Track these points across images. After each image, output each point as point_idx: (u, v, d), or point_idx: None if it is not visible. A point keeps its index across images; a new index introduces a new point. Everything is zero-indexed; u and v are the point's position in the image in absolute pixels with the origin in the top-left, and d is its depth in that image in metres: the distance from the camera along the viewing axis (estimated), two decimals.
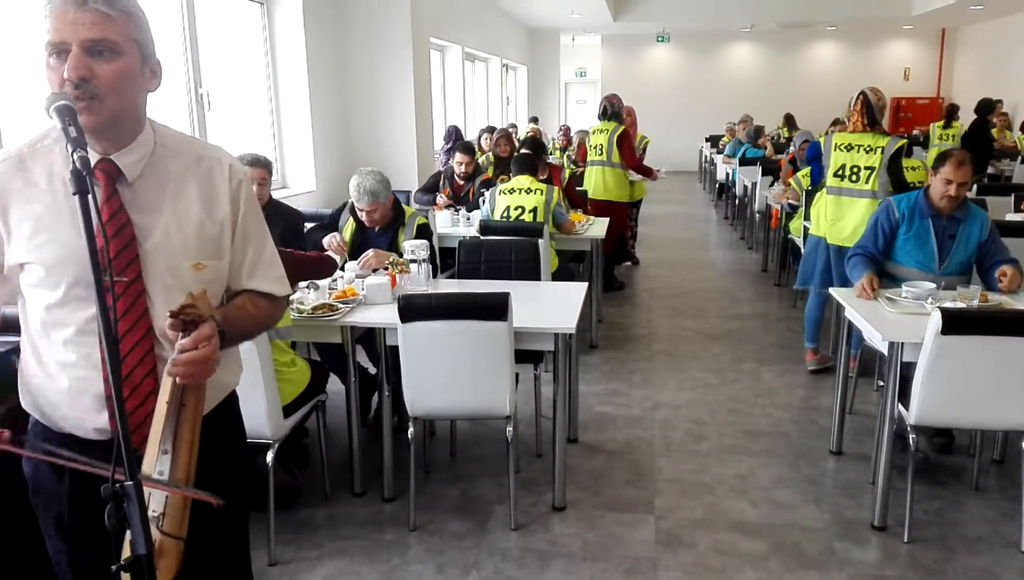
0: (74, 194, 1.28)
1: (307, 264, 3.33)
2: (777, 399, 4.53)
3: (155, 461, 1.37)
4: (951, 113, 10.18)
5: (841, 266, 4.55)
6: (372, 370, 3.91)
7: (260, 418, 2.86)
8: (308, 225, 4.27)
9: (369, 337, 3.65)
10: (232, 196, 1.64)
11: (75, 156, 1.26)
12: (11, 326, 2.13)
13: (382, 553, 3.01)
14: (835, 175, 4.54)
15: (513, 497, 3.20)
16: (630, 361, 5.19)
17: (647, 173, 7.09)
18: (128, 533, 1.26)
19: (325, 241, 4.01)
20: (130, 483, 1.24)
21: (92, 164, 1.46)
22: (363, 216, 3.91)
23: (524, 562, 2.95)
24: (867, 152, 4.45)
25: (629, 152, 6.74)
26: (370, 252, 3.76)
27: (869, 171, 4.43)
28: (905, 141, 4.49)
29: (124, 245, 1.50)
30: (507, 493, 3.36)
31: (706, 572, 2.89)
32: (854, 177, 4.48)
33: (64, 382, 1.54)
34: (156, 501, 1.34)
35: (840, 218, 4.53)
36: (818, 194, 4.82)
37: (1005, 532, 3.11)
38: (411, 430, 3.17)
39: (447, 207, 5.90)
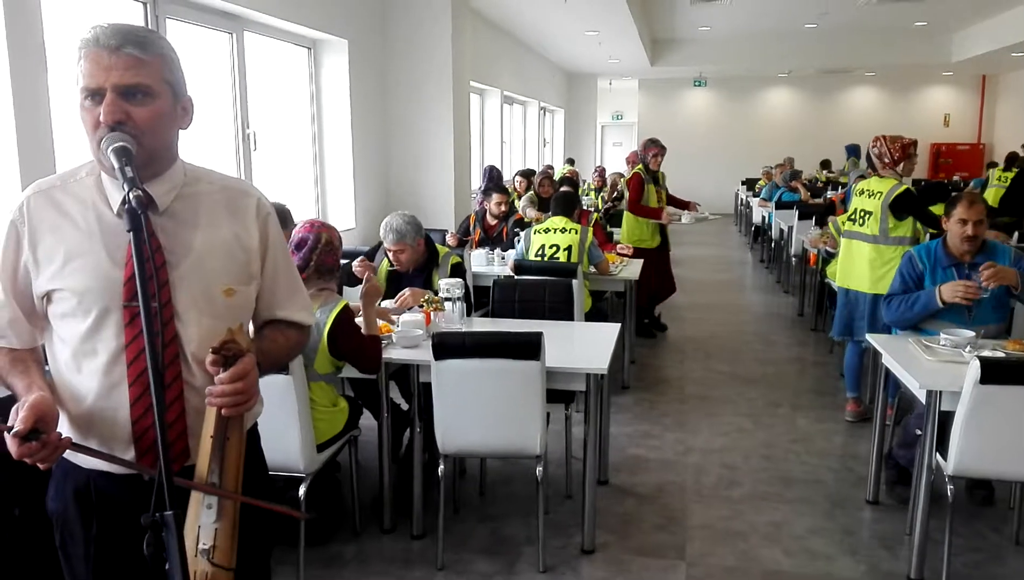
0: (128, 231, 1.34)
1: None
2: (812, 446, 4.47)
3: (203, 495, 1.41)
4: (1012, 159, 10.07)
5: (860, 311, 4.55)
6: (404, 406, 3.95)
7: (294, 452, 2.90)
8: (344, 261, 4.34)
9: (402, 374, 3.69)
10: (260, 226, 1.68)
11: (131, 195, 1.33)
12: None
13: None
14: (849, 219, 4.68)
15: (542, 538, 3.19)
16: (662, 403, 5.16)
17: (648, 214, 6.51)
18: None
19: (354, 265, 4.09)
20: (169, 513, 1.28)
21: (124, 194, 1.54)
22: (391, 256, 3.98)
23: None
24: (870, 197, 4.57)
25: (631, 193, 6.62)
26: (406, 291, 3.82)
27: (869, 215, 4.53)
28: (905, 187, 4.47)
29: (152, 272, 1.54)
30: (536, 534, 3.35)
31: None
32: (861, 221, 4.60)
33: (95, 412, 1.56)
34: (206, 534, 1.38)
35: (851, 262, 4.64)
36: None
37: None
38: (441, 467, 3.19)
39: (480, 246, 5.98)
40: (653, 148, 6.63)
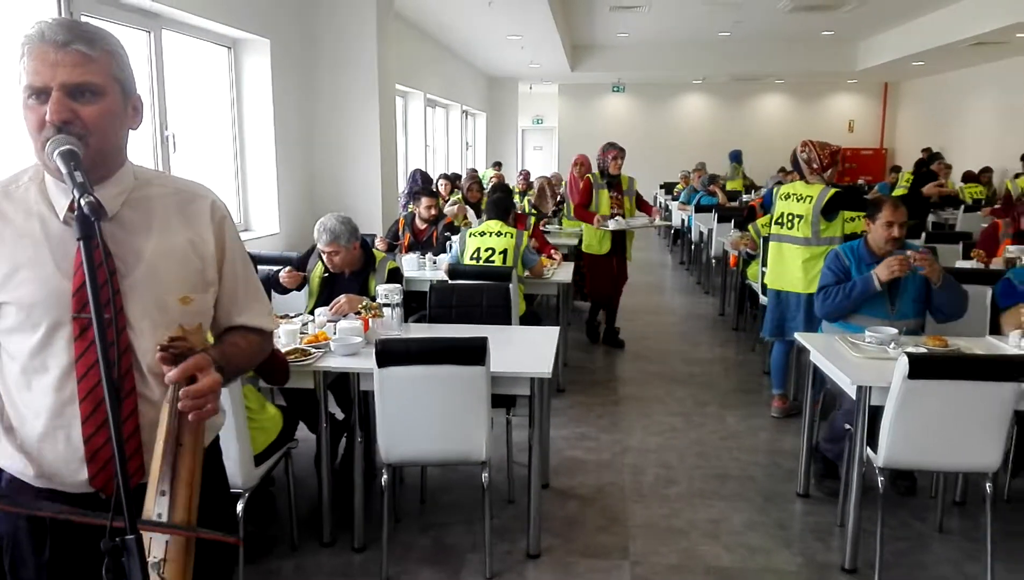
0: (78, 239, 1.26)
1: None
2: (742, 443, 4.59)
3: (153, 504, 1.33)
4: (928, 162, 10.43)
5: (793, 312, 4.69)
6: (339, 416, 3.86)
7: (232, 467, 2.79)
8: (274, 268, 4.23)
9: (337, 383, 3.61)
10: (216, 231, 1.62)
11: (83, 201, 1.24)
12: None
13: None
14: (776, 222, 4.79)
15: (488, 545, 3.17)
16: (596, 405, 5.21)
17: (582, 218, 6.38)
18: None
19: (281, 275, 4.00)
20: (131, 537, 1.21)
21: (70, 199, 1.44)
22: (324, 257, 3.90)
23: None
24: (799, 201, 4.70)
25: (579, 196, 6.51)
26: (342, 297, 3.74)
27: (799, 218, 4.66)
28: (835, 190, 4.62)
29: (104, 280, 1.45)
30: (480, 540, 3.33)
31: None
32: (789, 224, 4.72)
33: (46, 431, 1.48)
34: (157, 547, 1.30)
35: (781, 265, 4.76)
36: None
37: (970, 572, 3.18)
38: (384, 477, 3.13)
39: (410, 251, 5.92)
40: (612, 151, 6.38)
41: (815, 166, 4.66)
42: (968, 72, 14.35)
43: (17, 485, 1.54)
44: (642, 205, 6.71)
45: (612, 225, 6.17)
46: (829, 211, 4.54)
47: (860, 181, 15.74)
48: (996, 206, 9.26)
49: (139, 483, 1.48)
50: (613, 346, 6.61)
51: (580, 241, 6.81)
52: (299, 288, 4.06)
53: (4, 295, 1.44)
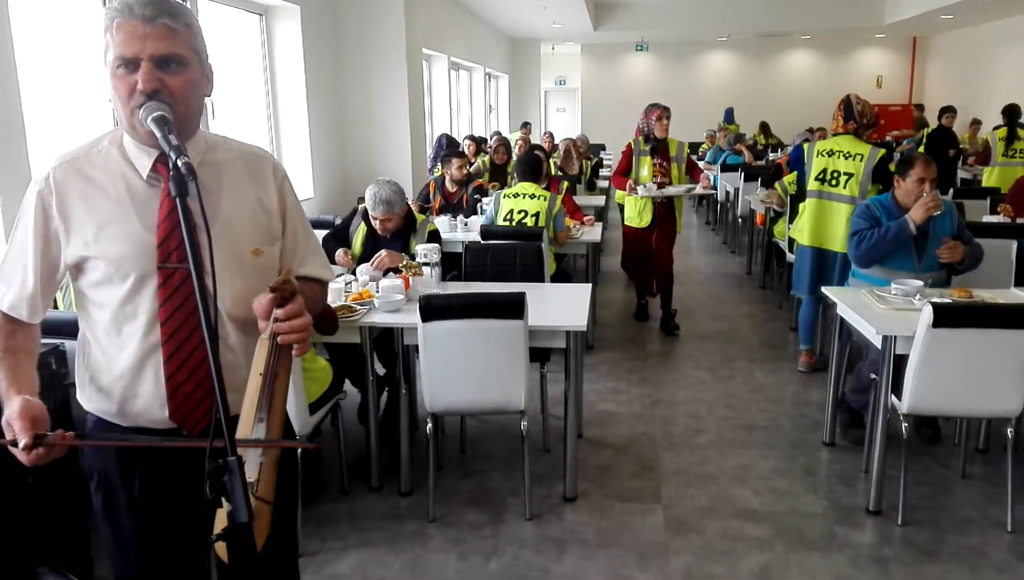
0: (173, 196, 1.39)
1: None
2: (770, 395, 4.71)
3: (251, 430, 1.48)
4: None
5: (832, 270, 4.73)
6: (380, 372, 4.03)
7: (290, 412, 2.96)
8: (320, 232, 4.38)
9: (379, 340, 3.77)
10: (279, 188, 1.76)
11: (180, 161, 1.38)
12: (46, 330, 2.23)
13: (405, 543, 3.14)
14: (816, 179, 4.71)
15: (528, 488, 3.34)
16: (626, 361, 5.35)
17: (616, 184, 5.98)
18: (226, 504, 1.38)
19: (337, 256, 4.14)
20: (233, 458, 1.36)
21: (153, 159, 1.59)
22: (376, 224, 4.04)
23: (542, 549, 3.09)
24: (846, 158, 4.63)
25: (618, 164, 5.98)
26: (383, 252, 3.88)
27: (848, 177, 4.61)
28: (884, 151, 4.66)
29: (193, 234, 1.60)
30: (519, 486, 3.51)
31: (715, 555, 3.05)
32: (834, 182, 4.65)
33: (134, 372, 1.62)
34: (251, 469, 1.45)
35: (825, 222, 4.70)
36: (802, 204, 4.96)
37: (992, 514, 3.30)
38: (429, 426, 3.30)
39: (440, 213, 6.05)
40: (655, 111, 5.70)
41: (866, 120, 4.65)
42: (998, 25, 14.06)
43: (104, 425, 1.69)
44: (692, 172, 5.98)
45: (641, 191, 5.61)
46: (877, 174, 4.56)
47: (888, 137, 15.61)
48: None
49: (210, 421, 1.65)
50: (667, 333, 5.94)
51: (621, 210, 6.51)
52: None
53: (93, 250, 1.57)
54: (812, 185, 4.75)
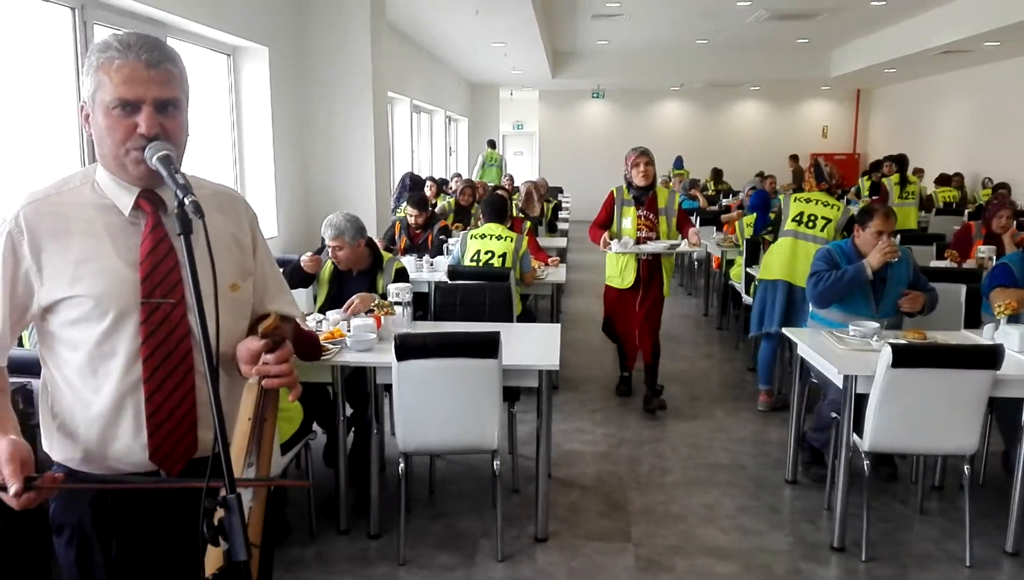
0: (179, 234, 1.41)
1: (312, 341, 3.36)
2: (731, 434, 4.80)
3: (242, 474, 1.49)
4: (875, 167, 10.80)
5: (803, 303, 4.88)
6: (348, 411, 4.00)
7: None
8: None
9: (347, 379, 3.75)
10: (250, 225, 1.79)
11: (187, 200, 1.39)
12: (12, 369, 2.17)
13: None
14: (793, 220, 4.99)
15: (500, 528, 3.34)
16: (589, 401, 5.40)
17: (592, 237, 5.20)
18: (220, 544, 1.37)
19: (303, 259, 4.15)
20: (232, 496, 1.36)
21: (135, 196, 1.59)
22: (330, 253, 4.06)
23: None
24: (824, 205, 4.96)
25: (598, 214, 5.28)
26: (355, 298, 3.89)
27: (825, 222, 4.91)
28: (853, 211, 4.91)
29: (169, 269, 1.59)
30: (489, 527, 3.51)
31: None
32: (810, 224, 4.94)
33: (112, 413, 1.59)
34: None
35: (797, 260, 4.92)
36: (774, 245, 5.15)
37: (950, 549, 3.40)
38: (401, 466, 3.29)
39: (406, 253, 6.08)
40: (632, 155, 5.06)
41: (835, 181, 5.07)
42: (938, 79, 14.77)
43: (77, 476, 1.62)
44: (683, 227, 5.12)
45: (615, 246, 4.93)
46: (847, 227, 4.83)
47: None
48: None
49: (193, 457, 1.64)
50: (650, 411, 5.14)
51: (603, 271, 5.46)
52: (315, 276, 4.21)
53: (73, 289, 1.55)
54: (789, 225, 5.01)
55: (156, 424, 1.60)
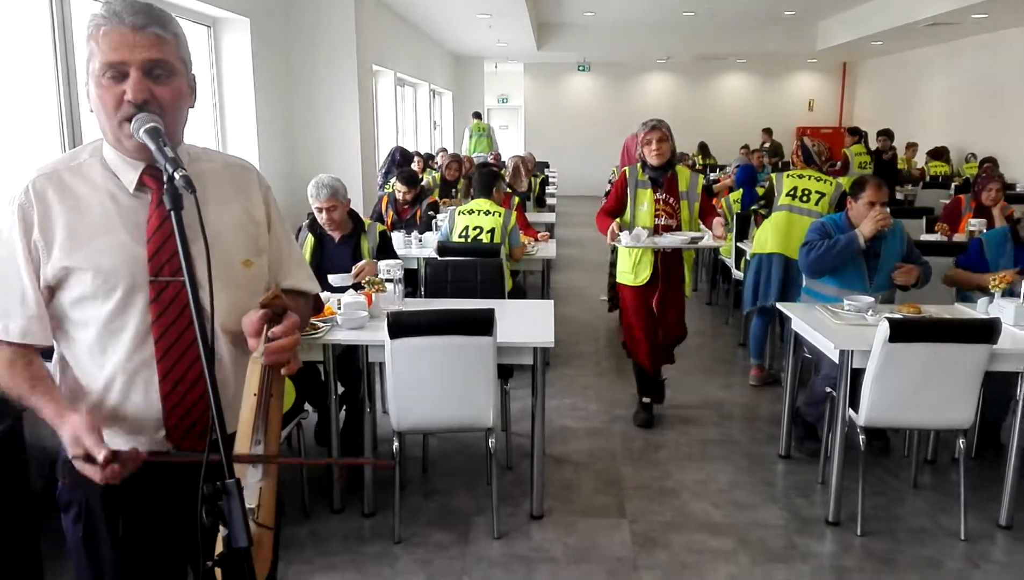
0: (169, 210, 1.35)
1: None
2: (723, 410, 4.79)
3: (249, 451, 1.43)
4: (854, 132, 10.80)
5: (794, 280, 4.86)
6: (339, 390, 3.96)
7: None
8: None
9: (339, 358, 3.70)
10: (264, 199, 1.72)
11: (177, 174, 1.33)
12: None
13: (371, 566, 3.07)
14: (787, 195, 4.98)
15: (495, 506, 3.31)
16: (581, 377, 5.37)
17: (599, 226, 4.37)
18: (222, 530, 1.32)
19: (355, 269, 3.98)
20: (231, 480, 1.31)
21: (139, 171, 1.54)
22: (323, 217, 4.01)
23: (511, 568, 3.07)
24: (817, 181, 4.94)
25: (608, 198, 4.64)
26: (364, 262, 3.91)
27: (820, 196, 4.89)
28: (846, 186, 4.91)
29: (182, 247, 1.55)
30: (483, 504, 3.49)
31: (683, 569, 3.07)
32: (805, 198, 4.92)
33: (123, 392, 1.55)
34: (250, 496, 1.40)
35: (791, 233, 4.88)
36: (767, 220, 5.13)
37: (944, 523, 3.41)
38: (396, 444, 3.25)
39: (393, 229, 6.00)
40: (641, 131, 4.28)
41: (824, 157, 5.06)
42: (924, 51, 14.73)
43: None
44: (707, 216, 4.40)
45: (625, 239, 4.12)
46: (839, 203, 4.82)
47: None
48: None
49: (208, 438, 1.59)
50: (644, 425, 4.48)
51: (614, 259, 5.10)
52: None
53: (76, 261, 1.50)
54: (783, 201, 4.99)
55: (172, 404, 1.57)
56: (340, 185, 4.01)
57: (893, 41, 13.61)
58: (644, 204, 4.27)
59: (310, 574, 3.01)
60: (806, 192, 4.88)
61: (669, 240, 4.16)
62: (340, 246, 4.11)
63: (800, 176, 4.98)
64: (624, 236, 4.15)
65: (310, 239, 4.12)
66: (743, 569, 3.07)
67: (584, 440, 4.31)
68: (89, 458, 1.33)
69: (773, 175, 5.31)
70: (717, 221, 4.26)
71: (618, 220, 4.26)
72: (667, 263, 4.29)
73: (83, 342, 1.55)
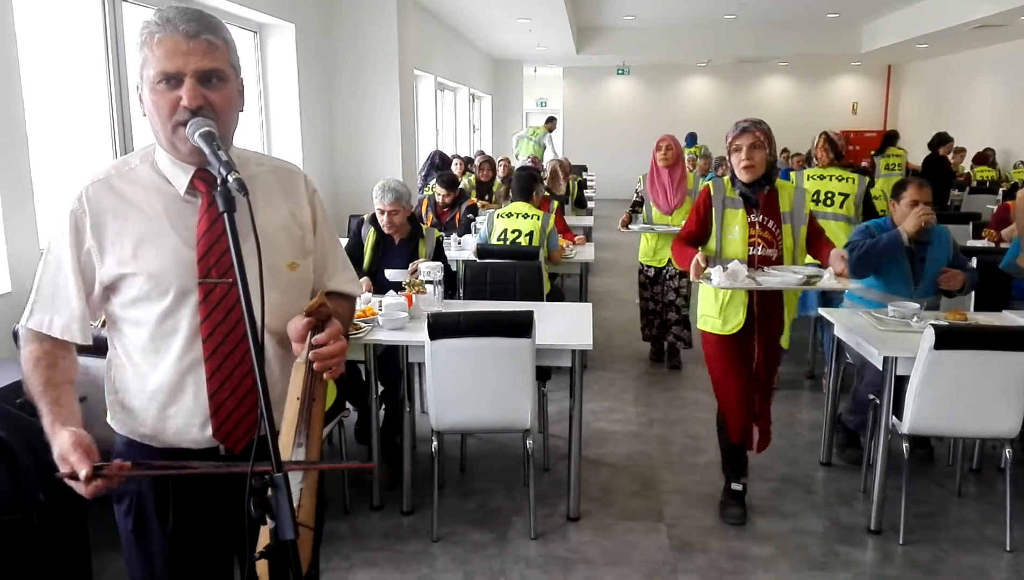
0: (222, 212, 1.39)
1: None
2: None
3: (291, 455, 1.47)
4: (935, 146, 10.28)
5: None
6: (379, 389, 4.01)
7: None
8: None
9: (379, 358, 3.75)
10: (310, 202, 1.76)
11: (230, 177, 1.37)
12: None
13: (410, 563, 3.11)
14: (811, 200, 4.82)
15: (533, 507, 3.33)
16: (620, 380, 5.37)
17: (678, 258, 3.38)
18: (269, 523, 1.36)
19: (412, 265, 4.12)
20: (279, 474, 1.35)
21: (190, 175, 1.58)
22: (384, 219, 4.12)
23: (548, 568, 3.08)
24: (839, 181, 4.90)
25: (689, 217, 3.56)
26: (420, 260, 4.10)
27: (843, 197, 4.85)
28: (868, 178, 4.88)
29: (225, 249, 1.57)
30: (521, 505, 3.51)
31: (721, 574, 3.05)
32: (828, 202, 4.88)
33: (173, 390, 1.60)
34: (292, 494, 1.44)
35: None
36: None
37: (989, 534, 3.35)
38: (435, 444, 3.29)
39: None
40: (730, 135, 3.32)
41: (843, 150, 5.08)
42: (971, 54, 14.43)
43: (135, 447, 1.65)
44: (818, 243, 3.38)
45: (716, 278, 3.06)
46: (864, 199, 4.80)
47: (864, 163, 15.88)
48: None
49: (252, 439, 1.63)
50: (737, 521, 3.45)
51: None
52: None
53: (131, 267, 1.56)
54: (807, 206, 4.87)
55: (219, 403, 1.61)
56: (405, 190, 4.12)
57: (939, 44, 13.35)
58: (735, 229, 3.28)
59: (349, 570, 3.06)
60: (829, 194, 4.87)
61: (778, 280, 3.11)
62: (399, 248, 4.24)
63: (822, 177, 4.95)
64: (715, 273, 3.06)
65: (372, 233, 4.22)
66: (783, 576, 3.05)
67: (622, 443, 4.30)
68: (74, 475, 1.39)
69: (793, 173, 5.26)
70: (836, 253, 3.16)
71: (702, 250, 3.24)
72: (765, 305, 3.29)
73: (137, 341, 1.60)
